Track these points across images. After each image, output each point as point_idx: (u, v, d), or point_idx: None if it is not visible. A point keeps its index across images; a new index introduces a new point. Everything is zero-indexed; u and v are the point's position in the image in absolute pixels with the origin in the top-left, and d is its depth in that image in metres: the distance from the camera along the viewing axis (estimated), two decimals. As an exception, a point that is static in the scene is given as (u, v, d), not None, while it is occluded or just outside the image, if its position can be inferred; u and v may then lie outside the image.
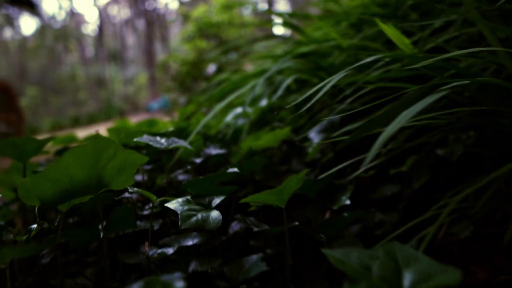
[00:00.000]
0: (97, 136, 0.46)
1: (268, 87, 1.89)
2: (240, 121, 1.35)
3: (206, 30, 4.54)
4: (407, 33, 1.59)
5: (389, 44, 1.59)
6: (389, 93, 1.35)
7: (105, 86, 29.38)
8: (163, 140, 0.90)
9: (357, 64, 0.91)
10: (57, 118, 22.71)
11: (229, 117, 1.37)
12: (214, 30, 4.56)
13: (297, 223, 0.68)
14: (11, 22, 30.43)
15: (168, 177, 1.00)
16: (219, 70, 4.14)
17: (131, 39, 35.26)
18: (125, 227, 0.71)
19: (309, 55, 1.37)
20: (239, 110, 1.40)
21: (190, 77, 4.07)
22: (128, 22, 34.41)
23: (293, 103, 0.88)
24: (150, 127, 2.24)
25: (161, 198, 0.71)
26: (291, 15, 2.24)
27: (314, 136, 1.24)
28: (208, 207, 0.64)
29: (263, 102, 1.50)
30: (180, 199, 0.64)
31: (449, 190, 1.00)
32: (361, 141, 1.12)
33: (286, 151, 1.31)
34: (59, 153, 1.13)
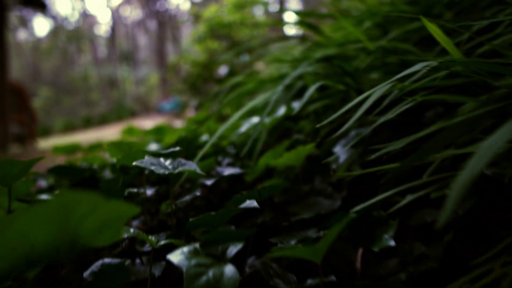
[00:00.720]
0: (63, 193, 0.32)
1: (286, 92, 1.75)
2: (256, 131, 1.20)
3: (217, 31, 4.41)
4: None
5: (421, 45, 1.44)
6: (429, 103, 1.20)
7: (117, 87, 29.52)
8: (167, 162, 0.77)
9: (403, 73, 0.76)
10: (69, 119, 22.87)
11: (243, 128, 1.23)
12: (225, 31, 4.42)
13: (334, 278, 0.54)
14: (25, 23, 30.78)
15: (174, 204, 0.86)
16: (231, 72, 4.01)
17: (142, 40, 35.41)
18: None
19: (331, 59, 1.23)
20: (255, 120, 1.26)
21: (201, 79, 3.95)
22: (140, 23, 34.56)
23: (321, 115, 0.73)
24: (158, 135, 2.12)
25: (163, 242, 0.57)
26: (307, 14, 2.09)
27: (341, 152, 1.09)
28: (222, 259, 0.50)
29: (281, 110, 1.36)
30: (186, 249, 0.50)
31: (498, 212, 0.85)
32: (394, 157, 0.97)
33: (308, 167, 1.17)
34: (53, 171, 1.01)
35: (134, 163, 0.73)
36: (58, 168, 1.02)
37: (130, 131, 2.25)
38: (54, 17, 32.28)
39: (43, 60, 30.57)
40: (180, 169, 0.75)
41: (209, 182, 0.92)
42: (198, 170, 0.75)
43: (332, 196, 1.06)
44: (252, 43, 4.64)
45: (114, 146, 1.09)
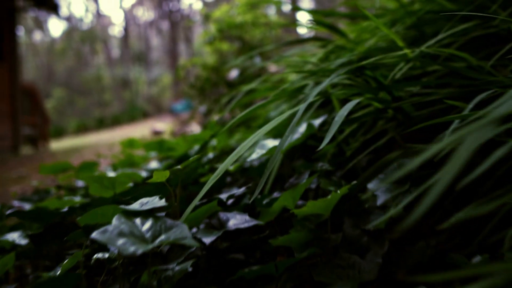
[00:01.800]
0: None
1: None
2: (271, 160, 0.97)
3: (228, 31, 4.18)
4: (497, 38, 1.18)
5: (468, 49, 1.18)
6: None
7: (130, 87, 29.58)
8: (146, 226, 0.54)
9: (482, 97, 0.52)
10: (82, 119, 22.95)
11: (256, 154, 0.99)
12: (236, 31, 4.19)
13: None
14: (40, 25, 31.07)
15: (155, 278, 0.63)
16: (242, 75, 3.78)
17: (155, 40, 35.44)
18: None
19: (362, 69, 0.98)
20: (269, 143, 1.02)
21: (210, 83, 3.71)
22: (152, 23, 34.59)
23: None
24: (159, 150, 1.90)
25: None
26: (327, 13, 1.85)
27: (380, 190, 0.85)
28: None
29: (301, 129, 1.12)
30: None
31: None
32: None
33: (336, 207, 0.93)
34: (14, 215, 0.79)
35: (93, 236, 0.50)
36: (19, 213, 0.81)
37: (130, 143, 2.04)
38: (68, 18, 32.49)
39: (57, 61, 30.80)
40: (162, 239, 0.52)
41: (207, 239, 0.69)
42: (189, 240, 0.52)
43: (368, 248, 0.82)
44: (266, 45, 4.40)
45: (94, 180, 0.87)
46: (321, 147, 0.69)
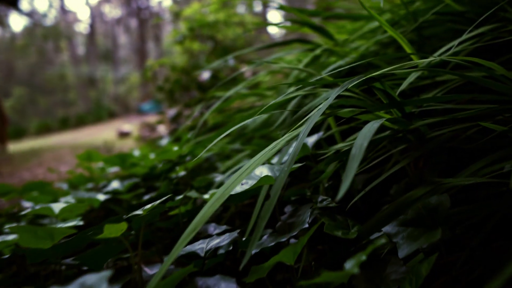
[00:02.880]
0: None
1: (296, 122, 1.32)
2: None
3: (199, 30, 3.94)
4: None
5: (480, 55, 1.03)
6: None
7: (96, 86, 28.60)
8: None
9: None
10: (44, 119, 21.95)
11: (240, 187, 0.79)
12: (208, 31, 3.96)
13: None
14: (0, 19, 29.49)
15: None
16: (215, 77, 3.55)
17: (123, 38, 34.46)
18: None
19: (372, 80, 0.80)
20: (259, 171, 0.82)
21: (180, 85, 3.46)
22: (120, 21, 33.62)
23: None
24: (122, 165, 1.66)
25: None
26: (314, 13, 1.67)
27: (400, 238, 0.67)
28: None
29: (293, 151, 0.92)
30: None
31: None
32: None
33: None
34: None
35: None
36: None
37: (88, 156, 1.78)
38: (30, 14, 31.02)
39: (18, 58, 29.36)
40: None
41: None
42: None
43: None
44: (239, 46, 4.19)
45: (25, 230, 0.63)
46: (339, 196, 0.49)
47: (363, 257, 0.51)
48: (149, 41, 31.44)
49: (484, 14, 1.17)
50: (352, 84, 0.74)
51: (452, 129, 0.83)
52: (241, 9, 5.95)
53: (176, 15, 3.93)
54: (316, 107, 0.85)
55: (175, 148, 1.24)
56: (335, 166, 0.91)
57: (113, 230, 0.56)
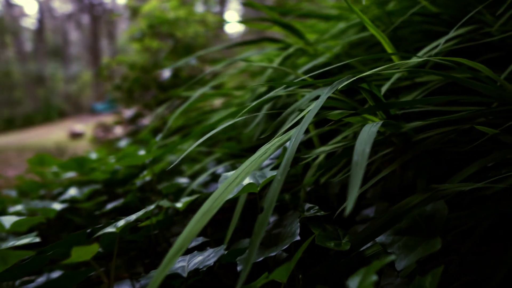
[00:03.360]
0: None
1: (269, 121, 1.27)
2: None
3: (159, 28, 3.80)
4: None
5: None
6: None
7: (44, 84, 27.17)
8: None
9: None
10: (-13, 119, 20.54)
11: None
12: (168, 28, 3.82)
13: None
14: None
15: None
16: (175, 75, 3.43)
17: (74, 35, 32.98)
18: None
19: (360, 81, 0.75)
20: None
21: (139, 84, 3.30)
22: (71, 16, 32.16)
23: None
24: (80, 170, 1.53)
25: None
26: (285, 12, 1.62)
27: (397, 249, 0.63)
28: None
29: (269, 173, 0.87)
30: None
31: None
32: None
33: (334, 265, 0.69)
34: None
35: None
36: None
37: (40, 160, 1.63)
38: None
39: (-43, 53, 27.29)
40: None
41: None
42: None
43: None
44: (199, 44, 4.09)
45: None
46: (348, 210, 0.44)
47: (374, 277, 0.46)
48: (103, 39, 30.32)
49: (458, 16, 1.17)
50: (342, 85, 0.69)
51: (438, 132, 0.81)
52: (199, 7, 5.84)
53: (135, 11, 3.76)
54: (301, 108, 0.80)
55: (142, 151, 1.14)
56: (316, 171, 0.87)
57: (83, 253, 0.47)
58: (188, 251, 0.80)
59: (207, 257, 0.57)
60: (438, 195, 0.63)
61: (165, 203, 0.84)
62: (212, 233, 1.11)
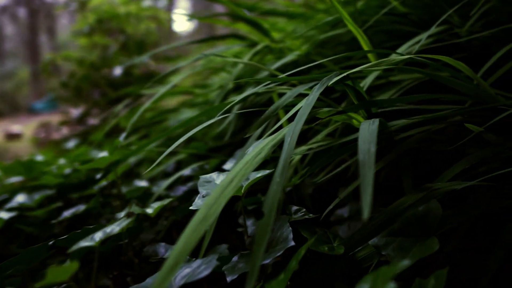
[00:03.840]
0: None
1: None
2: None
3: (108, 23, 3.61)
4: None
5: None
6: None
7: (-24, 82, 25.13)
8: None
9: None
10: None
11: (200, 200, 0.65)
12: (119, 23, 3.64)
13: None
14: None
15: None
16: (127, 74, 3.28)
17: (9, 29, 30.81)
18: None
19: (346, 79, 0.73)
20: (217, 178, 0.70)
21: (89, 82, 3.10)
22: (6, 9, 30.01)
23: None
24: (27, 174, 1.39)
25: None
26: (249, 7, 1.58)
27: (392, 250, 0.61)
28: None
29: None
30: None
31: None
32: None
33: (326, 268, 0.66)
34: None
35: None
36: None
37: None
38: None
39: None
40: None
41: None
42: None
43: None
44: (150, 40, 3.95)
45: None
46: (365, 215, 0.40)
47: (392, 285, 0.43)
48: (41, 34, 28.59)
49: (425, 16, 1.19)
50: (332, 81, 0.66)
51: (420, 130, 0.80)
52: (147, 2, 5.66)
53: (82, 5, 3.54)
54: (284, 106, 0.76)
55: (103, 153, 1.05)
56: (300, 172, 0.84)
57: (60, 273, 0.40)
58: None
59: (197, 269, 0.52)
60: (434, 194, 0.62)
61: (136, 209, 0.77)
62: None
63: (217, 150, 1.39)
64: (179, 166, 1.56)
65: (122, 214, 0.73)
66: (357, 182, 0.74)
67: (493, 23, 1.05)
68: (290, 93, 0.77)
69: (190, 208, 0.65)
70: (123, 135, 1.05)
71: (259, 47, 1.28)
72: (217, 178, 0.73)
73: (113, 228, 0.49)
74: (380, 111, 0.92)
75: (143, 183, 1.43)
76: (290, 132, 0.56)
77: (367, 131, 0.54)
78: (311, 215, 0.70)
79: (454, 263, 0.72)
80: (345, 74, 0.68)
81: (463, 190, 0.74)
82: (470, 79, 0.80)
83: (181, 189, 1.21)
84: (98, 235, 0.49)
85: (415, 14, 1.16)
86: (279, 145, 0.64)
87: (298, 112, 0.59)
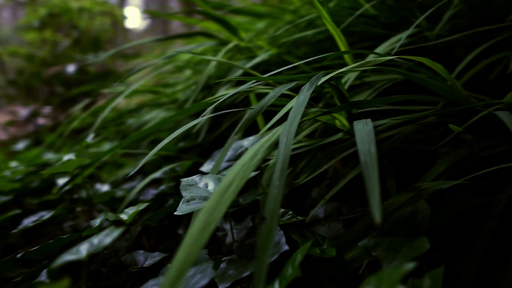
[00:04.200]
0: None
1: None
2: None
3: (59, 18, 3.42)
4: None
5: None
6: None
7: None
8: None
9: None
10: None
11: (187, 206, 0.62)
12: (70, 18, 3.46)
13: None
14: None
15: None
16: (82, 72, 3.12)
17: None
18: None
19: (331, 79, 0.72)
20: (209, 183, 0.66)
21: (40, 79, 2.91)
22: None
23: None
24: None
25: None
26: (217, 5, 1.55)
27: (382, 250, 0.61)
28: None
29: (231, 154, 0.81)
30: None
31: None
32: None
33: (315, 270, 0.65)
34: None
35: None
36: None
37: None
38: None
39: None
40: None
41: None
42: None
43: None
44: (103, 37, 3.79)
45: None
46: (377, 219, 0.39)
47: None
48: (-20, 28, 26.69)
49: (392, 19, 1.22)
50: (320, 81, 0.65)
51: (399, 130, 0.82)
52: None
53: (30, -3, 3.33)
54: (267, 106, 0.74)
55: (68, 156, 0.98)
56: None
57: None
58: (150, 271, 0.69)
59: (192, 279, 0.48)
60: (423, 194, 0.63)
61: (110, 215, 0.72)
62: (155, 244, 1.00)
63: (186, 151, 1.35)
64: (142, 168, 1.50)
65: (97, 221, 0.68)
66: (341, 183, 0.73)
67: (457, 28, 1.10)
68: (273, 93, 0.76)
69: (175, 213, 0.62)
70: (91, 136, 0.99)
71: (230, 45, 1.25)
72: (200, 181, 0.70)
73: (102, 239, 0.45)
74: (359, 112, 0.93)
75: (105, 187, 1.36)
76: (285, 132, 0.54)
77: (364, 132, 0.54)
78: (299, 217, 0.69)
79: (435, 260, 0.73)
80: (332, 74, 0.67)
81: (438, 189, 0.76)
82: (444, 80, 0.82)
83: (151, 193, 1.16)
84: (85, 247, 0.44)
85: (383, 16, 1.18)
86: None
87: (291, 112, 0.57)
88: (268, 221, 0.46)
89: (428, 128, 0.82)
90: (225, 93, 0.78)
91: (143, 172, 1.50)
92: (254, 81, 0.76)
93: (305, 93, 0.61)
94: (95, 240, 0.46)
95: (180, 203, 0.64)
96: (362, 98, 0.96)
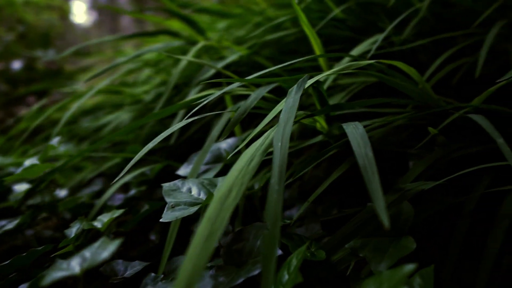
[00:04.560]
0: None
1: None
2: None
3: (1, 11, 3.19)
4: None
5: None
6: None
7: None
8: None
9: None
10: None
11: (173, 213, 0.59)
12: (14, 11, 3.24)
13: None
14: None
15: None
16: (30, 69, 2.94)
17: None
18: None
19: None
20: (193, 187, 0.64)
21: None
22: None
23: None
24: None
25: None
26: (183, 4, 1.51)
27: (369, 251, 0.62)
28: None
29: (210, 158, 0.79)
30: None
31: None
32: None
33: (306, 273, 0.65)
34: None
35: None
36: None
37: None
38: None
39: None
40: None
41: None
42: None
43: None
44: (53, 33, 3.60)
45: None
46: (386, 224, 0.39)
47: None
48: None
49: (359, 23, 1.25)
50: (308, 85, 0.65)
51: (377, 132, 0.84)
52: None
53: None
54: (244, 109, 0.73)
55: (31, 161, 0.90)
56: (265, 175, 0.81)
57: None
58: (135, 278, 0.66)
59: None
60: (408, 195, 0.64)
61: (84, 224, 0.68)
62: (123, 252, 0.96)
63: (153, 153, 1.30)
64: (103, 172, 1.43)
65: (73, 230, 0.63)
66: (324, 185, 0.74)
67: (420, 34, 1.15)
68: (254, 95, 0.75)
69: (161, 220, 0.59)
70: (56, 139, 0.92)
71: (199, 45, 1.23)
72: (183, 185, 0.68)
73: (96, 253, 0.41)
74: (336, 114, 0.95)
75: (63, 192, 1.29)
76: (279, 136, 0.53)
77: (357, 135, 0.54)
78: (287, 221, 0.69)
79: (414, 259, 0.76)
80: (319, 77, 0.67)
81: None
82: (416, 83, 0.85)
83: (118, 197, 1.12)
84: (77, 262, 0.40)
85: (350, 20, 1.21)
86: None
87: (282, 115, 0.57)
88: (271, 227, 0.45)
89: (399, 130, 0.84)
90: (206, 93, 0.76)
91: (105, 175, 1.43)
92: (237, 82, 0.74)
93: (294, 96, 0.60)
94: (87, 253, 0.42)
95: (165, 210, 0.62)
96: (336, 100, 0.98)
